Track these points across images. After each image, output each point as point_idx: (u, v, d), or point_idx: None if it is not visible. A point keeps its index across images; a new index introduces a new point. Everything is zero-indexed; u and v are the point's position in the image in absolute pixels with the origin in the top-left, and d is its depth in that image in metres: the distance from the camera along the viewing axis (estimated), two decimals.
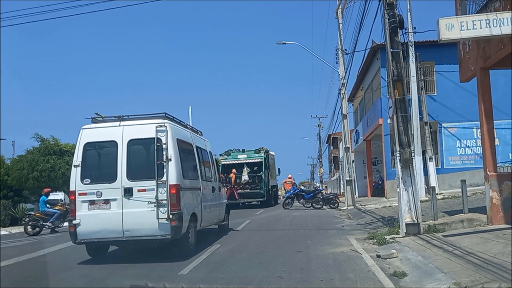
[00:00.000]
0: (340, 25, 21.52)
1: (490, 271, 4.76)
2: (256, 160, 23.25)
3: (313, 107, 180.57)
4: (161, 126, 7.70)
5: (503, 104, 13.60)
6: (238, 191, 22.42)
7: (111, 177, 7.63)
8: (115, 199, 7.56)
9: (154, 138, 7.59)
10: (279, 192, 33.03)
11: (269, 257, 7.27)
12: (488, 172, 8.30)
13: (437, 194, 11.82)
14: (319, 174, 56.53)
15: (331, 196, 20.80)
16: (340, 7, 21.35)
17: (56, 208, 15.05)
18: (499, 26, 6.67)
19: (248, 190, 22.90)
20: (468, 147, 20.12)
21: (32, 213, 15.39)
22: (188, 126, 9.83)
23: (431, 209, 9.11)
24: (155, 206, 7.39)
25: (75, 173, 7.74)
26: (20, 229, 16.75)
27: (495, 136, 9.07)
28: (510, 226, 7.70)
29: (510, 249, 5.65)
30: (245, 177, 22.94)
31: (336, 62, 22.73)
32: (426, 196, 15.62)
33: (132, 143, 7.78)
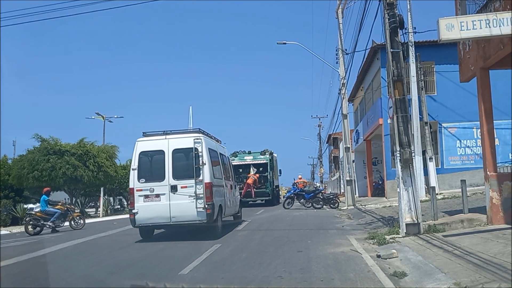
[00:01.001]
0: (340, 25, 21.53)
1: (490, 271, 4.76)
2: (261, 162, 24.71)
3: (313, 107, 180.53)
4: (197, 139, 10.12)
5: (503, 104, 13.60)
6: (246, 190, 23.50)
7: (161, 177, 9.98)
8: (164, 194, 9.90)
9: (192, 148, 10.01)
10: (280, 192, 33.61)
11: (269, 257, 7.27)
12: (488, 172, 8.31)
13: (437, 194, 11.83)
14: (320, 174, 56.54)
15: (331, 196, 20.79)
16: (340, 7, 21.36)
17: (57, 207, 15.04)
18: (499, 26, 6.68)
19: (255, 189, 24.26)
20: (468, 147, 20.13)
21: (33, 212, 15.39)
22: (213, 137, 11.98)
23: (431, 209, 9.12)
24: (194, 198, 9.73)
25: (133, 175, 10.09)
26: (21, 228, 16.76)
27: (495, 136, 9.06)
28: (510, 226, 7.71)
29: (510, 249, 5.65)
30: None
31: (336, 62, 22.74)
32: (426, 196, 15.63)
33: (175, 151, 10.12)
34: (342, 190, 30.11)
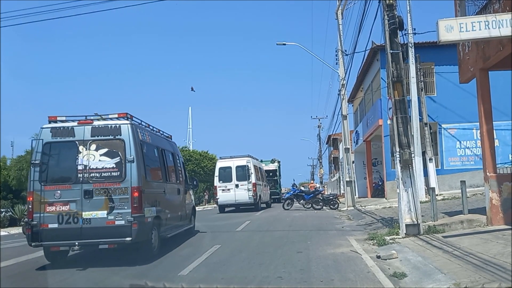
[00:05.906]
0: (340, 26, 21.51)
1: (490, 272, 4.77)
2: (272, 168, 31.31)
3: (313, 108, 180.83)
4: (248, 160, 20.04)
5: (503, 105, 13.60)
6: None
7: (230, 180, 19.84)
8: (232, 188, 19.74)
9: (245, 165, 19.90)
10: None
11: (269, 257, 7.27)
12: (487, 173, 8.31)
13: (437, 195, 11.83)
14: (319, 175, 56.53)
15: (331, 197, 20.79)
16: (340, 8, 21.35)
17: None
18: (498, 27, 6.69)
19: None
20: (467, 148, 20.12)
21: None
22: (253, 157, 21.45)
23: (431, 210, 9.13)
24: (247, 191, 19.60)
25: (216, 179, 20.15)
26: (19, 230, 16.72)
27: (495, 137, 9.08)
28: (509, 227, 7.71)
29: (509, 250, 5.66)
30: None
31: (336, 63, 22.71)
32: (426, 197, 15.62)
33: (237, 167, 19.92)
34: (342, 191, 30.15)
